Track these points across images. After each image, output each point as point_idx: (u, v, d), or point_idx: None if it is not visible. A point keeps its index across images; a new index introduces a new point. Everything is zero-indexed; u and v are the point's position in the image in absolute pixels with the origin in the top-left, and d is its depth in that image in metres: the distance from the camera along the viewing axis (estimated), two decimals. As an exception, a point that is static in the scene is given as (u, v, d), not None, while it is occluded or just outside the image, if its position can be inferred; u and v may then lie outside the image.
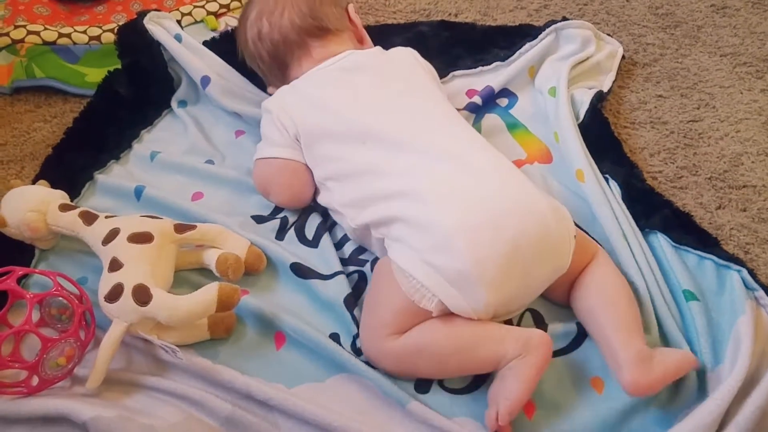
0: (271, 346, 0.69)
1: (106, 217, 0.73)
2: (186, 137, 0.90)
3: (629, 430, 0.62)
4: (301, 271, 0.73)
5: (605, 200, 0.77)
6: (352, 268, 0.75)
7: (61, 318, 0.70)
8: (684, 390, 0.64)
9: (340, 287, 0.71)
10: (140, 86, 0.93)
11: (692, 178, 0.85)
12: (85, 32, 1.00)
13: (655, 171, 0.86)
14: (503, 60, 0.97)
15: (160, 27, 0.93)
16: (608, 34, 1.02)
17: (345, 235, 0.77)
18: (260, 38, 0.83)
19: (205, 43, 0.96)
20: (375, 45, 0.87)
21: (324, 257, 0.75)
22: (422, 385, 0.65)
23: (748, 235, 0.79)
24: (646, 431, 0.62)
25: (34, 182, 0.80)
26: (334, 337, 0.69)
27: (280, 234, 0.79)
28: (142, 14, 0.93)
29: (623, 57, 0.99)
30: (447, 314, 0.64)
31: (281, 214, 0.81)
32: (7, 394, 0.63)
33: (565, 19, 0.98)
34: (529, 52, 0.96)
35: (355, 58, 0.80)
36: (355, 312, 0.70)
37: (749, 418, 0.60)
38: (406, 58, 0.83)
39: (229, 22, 1.08)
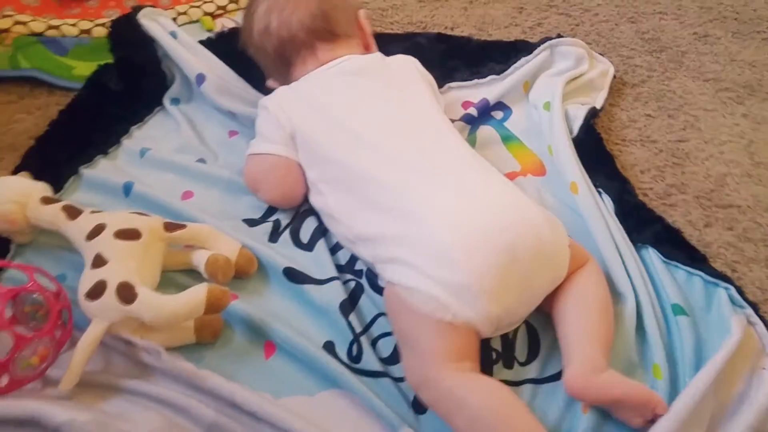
0: (260, 354, 0.64)
1: (92, 212, 0.67)
2: (178, 135, 0.85)
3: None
4: (294, 275, 0.68)
5: (598, 213, 0.74)
6: (347, 277, 0.70)
7: (36, 315, 0.63)
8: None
9: (336, 293, 0.67)
10: (131, 82, 0.88)
11: (681, 195, 0.83)
12: (75, 25, 0.94)
13: (645, 187, 0.84)
14: (498, 74, 0.95)
15: (155, 23, 0.88)
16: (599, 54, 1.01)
17: (339, 240, 0.73)
18: (267, 32, 0.79)
19: (201, 43, 0.92)
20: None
21: (319, 261, 0.70)
22: (420, 405, 0.60)
23: (735, 254, 0.77)
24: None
25: (14, 173, 0.74)
26: (329, 345, 0.64)
27: (274, 236, 0.74)
28: (137, 9, 0.88)
29: (614, 76, 0.98)
30: (506, 392, 0.57)
31: (273, 217, 0.76)
32: (-26, 395, 0.57)
33: (559, 36, 0.96)
34: (524, 67, 0.93)
35: (357, 61, 0.77)
36: (351, 318, 0.65)
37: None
38: (407, 66, 0.80)
39: (226, 23, 1.04)
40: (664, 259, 0.72)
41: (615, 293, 0.67)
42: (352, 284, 0.70)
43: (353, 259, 0.72)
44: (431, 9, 1.12)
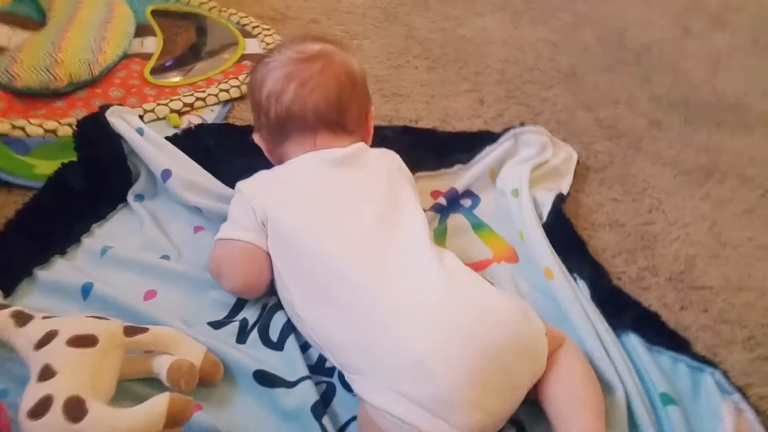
0: (226, 473, 0.57)
1: (44, 317, 0.62)
2: (141, 232, 0.81)
3: None
4: (265, 378, 0.64)
5: (575, 299, 0.72)
6: (319, 378, 0.65)
7: None
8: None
9: (307, 394, 0.62)
10: (95, 179, 0.85)
11: (654, 278, 0.82)
12: (41, 125, 0.92)
13: (618, 271, 0.83)
14: (465, 163, 0.95)
15: (122, 120, 0.87)
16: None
17: (310, 337, 0.69)
18: (278, 100, 0.75)
19: (167, 139, 0.90)
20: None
21: (289, 361, 0.66)
22: None
23: (714, 337, 0.76)
24: None
25: (-37, 278, 0.69)
26: (302, 452, 0.58)
27: (241, 337, 0.69)
28: (105, 107, 0.87)
29: (577, 162, 0.99)
30: None
31: (240, 315, 0.72)
32: None
33: (522, 125, 0.98)
34: (489, 156, 0.94)
35: (341, 152, 0.74)
36: (324, 421, 0.60)
37: None
38: (387, 160, 0.78)
39: (192, 120, 1.03)
40: (648, 345, 0.69)
41: (601, 383, 0.64)
42: (324, 386, 0.65)
43: (323, 356, 0.68)
44: (395, 104, 1.14)
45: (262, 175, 0.76)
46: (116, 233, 0.82)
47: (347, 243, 0.65)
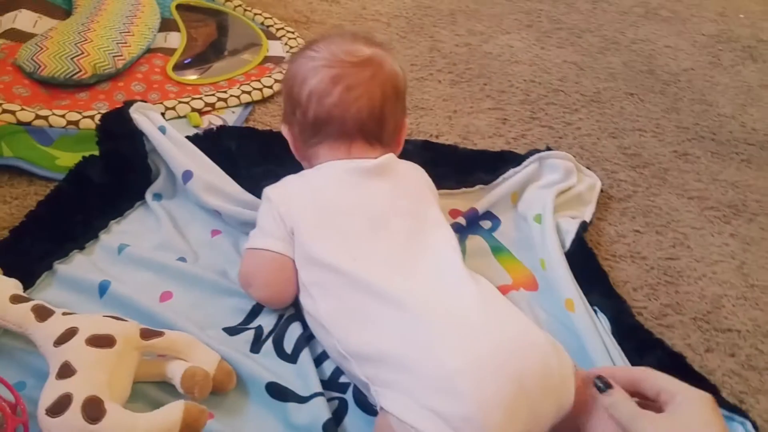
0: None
1: (64, 314, 0.63)
2: (158, 232, 0.83)
3: None
4: (278, 391, 0.65)
5: (596, 334, 0.73)
6: (332, 394, 0.66)
7: None
8: None
9: (319, 411, 0.63)
10: (115, 175, 0.87)
11: (677, 317, 0.83)
12: (63, 116, 0.94)
13: (639, 306, 0.83)
14: (486, 183, 0.96)
15: (145, 117, 0.88)
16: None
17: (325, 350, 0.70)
18: (320, 100, 0.73)
19: (188, 139, 0.92)
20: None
21: (302, 375, 0.67)
22: None
23: (741, 383, 0.75)
24: None
25: (-18, 268, 0.70)
26: (313, 471, 0.59)
27: (255, 346, 0.70)
28: (129, 103, 0.89)
29: (600, 190, 1.00)
30: None
31: (255, 323, 0.73)
32: None
33: (548, 148, 0.99)
34: (513, 178, 0.95)
35: (373, 162, 0.74)
36: (337, 440, 0.61)
37: None
38: (415, 173, 0.79)
39: (213, 120, 1.05)
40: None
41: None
42: (336, 402, 0.66)
43: (337, 370, 0.69)
44: (416, 116, 1.16)
45: (290, 182, 0.76)
46: (133, 231, 0.83)
47: (381, 258, 0.66)
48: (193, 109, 1.05)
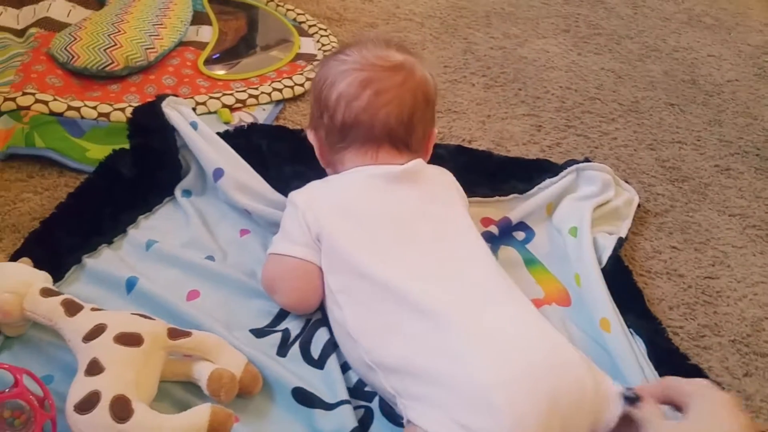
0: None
1: (92, 309, 0.64)
2: (187, 229, 0.83)
3: None
4: (304, 397, 0.65)
5: (633, 356, 0.72)
6: (358, 403, 0.66)
7: (14, 423, 0.58)
8: None
9: (346, 419, 0.63)
10: (145, 169, 0.88)
11: (715, 338, 0.81)
12: (95, 108, 0.96)
13: (675, 326, 0.82)
14: (521, 193, 0.95)
15: (176, 112, 0.89)
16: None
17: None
18: (348, 105, 0.73)
19: (219, 135, 0.93)
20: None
21: (329, 382, 0.67)
22: None
23: (779, 409, 0.74)
24: None
25: (13, 258, 0.71)
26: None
27: (282, 349, 0.71)
28: (161, 97, 0.90)
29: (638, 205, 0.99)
30: None
31: (282, 325, 0.74)
32: None
33: (587, 160, 0.98)
34: (549, 189, 0.94)
35: (401, 168, 0.74)
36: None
37: None
38: (445, 179, 0.79)
39: (243, 117, 1.06)
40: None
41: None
42: (362, 411, 0.66)
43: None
44: (449, 120, 1.15)
45: (316, 187, 0.76)
46: (162, 227, 0.84)
47: (411, 265, 0.66)
48: (224, 105, 1.06)
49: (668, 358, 0.74)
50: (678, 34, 1.54)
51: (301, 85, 1.13)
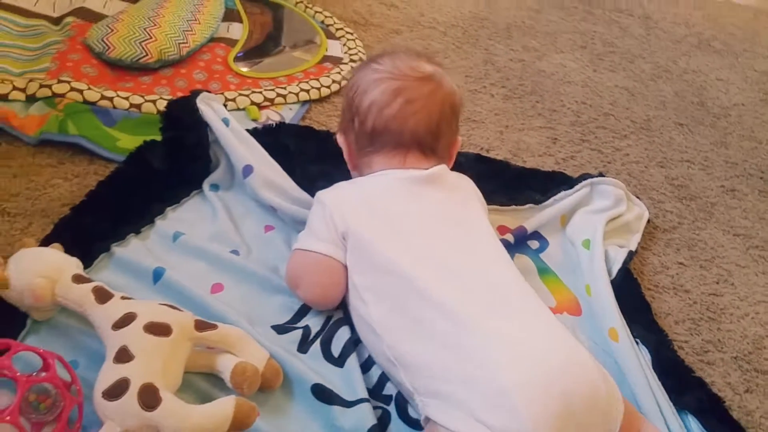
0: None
1: (122, 297, 0.63)
2: (213, 222, 0.82)
3: None
4: (323, 393, 0.64)
5: (639, 365, 0.71)
6: (375, 403, 0.65)
7: (39, 407, 0.56)
8: None
9: (365, 416, 0.62)
10: (175, 162, 0.86)
11: (718, 354, 0.80)
12: (127, 99, 0.94)
13: (681, 340, 0.81)
14: (537, 203, 0.94)
15: (209, 108, 0.88)
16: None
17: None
18: (380, 111, 0.73)
19: (248, 132, 0.91)
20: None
21: (348, 380, 0.66)
22: None
23: (778, 426, 0.73)
24: None
25: (44, 243, 0.70)
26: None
27: (303, 346, 0.69)
28: (196, 93, 0.88)
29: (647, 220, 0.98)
30: None
31: (303, 322, 0.72)
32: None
33: (601, 174, 0.97)
34: (564, 201, 0.93)
35: (426, 172, 0.73)
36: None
37: None
38: (466, 185, 0.78)
39: (270, 115, 1.04)
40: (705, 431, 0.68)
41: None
42: (379, 412, 0.65)
43: (382, 380, 0.68)
44: (468, 129, 1.14)
45: (343, 187, 0.75)
46: (189, 219, 0.83)
47: (436, 265, 0.65)
48: (252, 103, 1.04)
49: (673, 371, 0.73)
50: (688, 56, 1.53)
51: (327, 87, 1.11)
